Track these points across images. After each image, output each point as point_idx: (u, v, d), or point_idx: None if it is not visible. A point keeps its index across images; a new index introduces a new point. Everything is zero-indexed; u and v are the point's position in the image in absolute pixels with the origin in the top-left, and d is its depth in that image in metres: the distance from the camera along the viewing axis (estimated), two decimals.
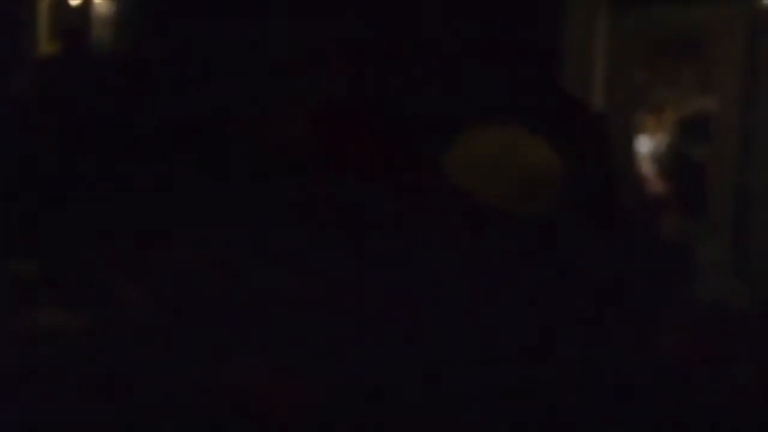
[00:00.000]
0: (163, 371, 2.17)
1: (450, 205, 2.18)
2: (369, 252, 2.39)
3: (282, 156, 3.33)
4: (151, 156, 3.67)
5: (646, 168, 5.92)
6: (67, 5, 5.99)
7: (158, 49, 4.77)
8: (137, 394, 2.13)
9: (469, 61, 4.02)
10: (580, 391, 2.02)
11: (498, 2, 4.63)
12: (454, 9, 4.52)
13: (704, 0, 5.26)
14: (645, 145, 6.03)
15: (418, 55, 4.05)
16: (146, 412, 2.10)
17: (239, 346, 2.22)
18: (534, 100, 3.26)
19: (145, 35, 5.29)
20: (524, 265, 2.14)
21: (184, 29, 4.70)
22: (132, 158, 3.68)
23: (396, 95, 3.51)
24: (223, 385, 2.16)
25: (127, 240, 2.83)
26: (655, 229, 4.13)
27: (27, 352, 2.31)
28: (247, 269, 2.52)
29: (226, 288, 2.45)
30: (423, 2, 4.53)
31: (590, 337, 2.10)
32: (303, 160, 3.26)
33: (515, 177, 2.16)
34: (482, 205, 2.14)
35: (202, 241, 2.72)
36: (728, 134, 5.15)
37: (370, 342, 2.09)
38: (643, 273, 2.65)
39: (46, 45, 5.90)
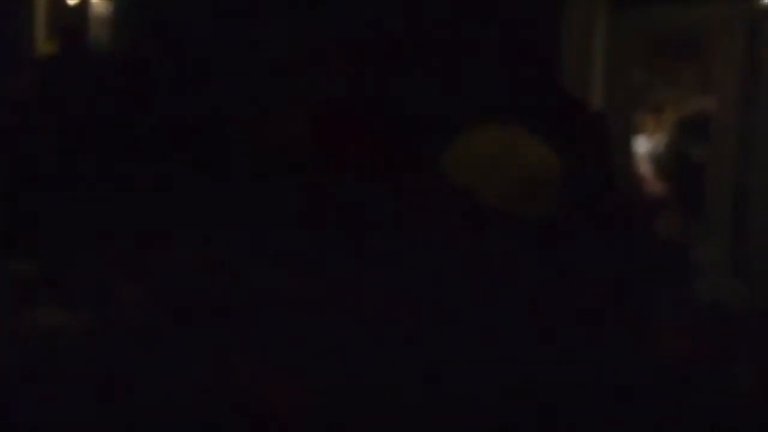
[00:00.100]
0: (162, 371, 2.17)
1: (450, 205, 2.18)
2: (369, 252, 2.39)
3: (282, 156, 3.33)
4: (151, 156, 3.67)
5: (645, 168, 5.92)
6: (65, 5, 5.99)
7: (156, 48, 4.77)
8: (137, 394, 2.13)
9: (469, 61, 4.02)
10: (580, 391, 2.02)
11: (498, 2, 4.64)
12: (454, 9, 4.52)
13: (704, 0, 5.26)
14: (644, 145, 6.04)
15: (418, 55, 4.05)
16: (146, 412, 2.10)
17: (239, 346, 2.22)
18: (533, 100, 3.27)
19: (142, 35, 5.29)
20: (524, 265, 2.14)
21: (182, 29, 4.70)
22: (131, 158, 3.67)
23: (396, 95, 3.51)
24: (224, 385, 2.16)
25: (127, 240, 2.83)
26: (654, 229, 4.12)
27: (27, 352, 2.31)
28: (246, 269, 2.52)
29: (226, 288, 2.45)
30: (423, 2, 4.53)
31: (590, 337, 2.10)
32: (303, 160, 3.26)
33: (515, 177, 2.16)
34: (482, 205, 2.14)
35: (201, 241, 2.72)
36: (727, 134, 5.15)
37: (370, 342, 2.09)
38: (643, 273, 2.65)
39: (43, 44, 5.90)
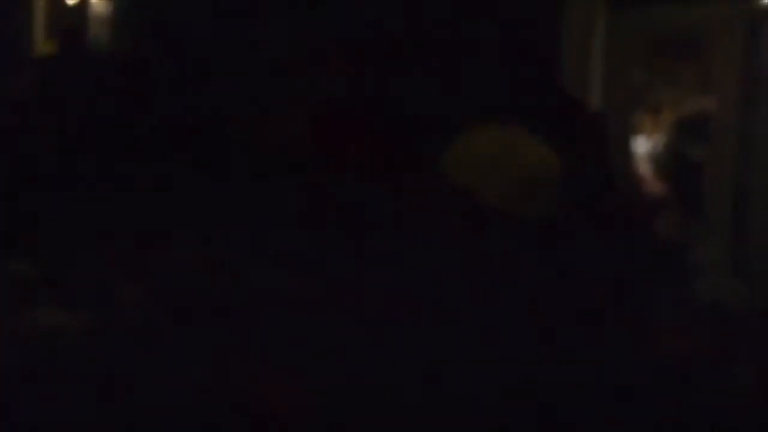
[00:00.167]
0: (162, 372, 2.17)
1: (449, 205, 2.18)
2: (368, 252, 2.39)
3: (281, 156, 3.33)
4: (150, 156, 3.67)
5: (645, 168, 5.92)
6: (64, 5, 5.99)
7: (155, 48, 4.77)
8: (136, 395, 2.13)
9: (469, 61, 4.03)
10: (580, 391, 2.02)
11: (497, 2, 4.64)
12: (454, 9, 4.52)
13: (703, 0, 5.26)
14: (643, 145, 6.04)
15: (418, 55, 4.05)
16: (146, 413, 2.10)
17: (239, 346, 2.22)
18: (533, 100, 3.27)
19: (142, 35, 5.29)
20: (523, 265, 2.14)
21: (181, 29, 4.70)
22: (131, 158, 3.67)
23: (396, 95, 3.51)
24: (223, 385, 2.16)
25: (127, 240, 2.83)
26: (653, 229, 4.13)
27: (26, 352, 2.31)
28: (246, 269, 2.52)
29: (226, 288, 2.45)
30: (423, 2, 4.53)
31: (590, 337, 2.10)
32: (302, 160, 3.26)
33: (514, 177, 2.16)
34: (482, 205, 2.14)
35: (201, 241, 2.72)
36: (727, 134, 5.15)
37: (370, 342, 2.09)
38: (642, 273, 2.65)
39: (43, 44, 5.90)
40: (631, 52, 5.45)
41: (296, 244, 2.63)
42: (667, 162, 5.94)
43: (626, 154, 5.44)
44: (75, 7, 6.01)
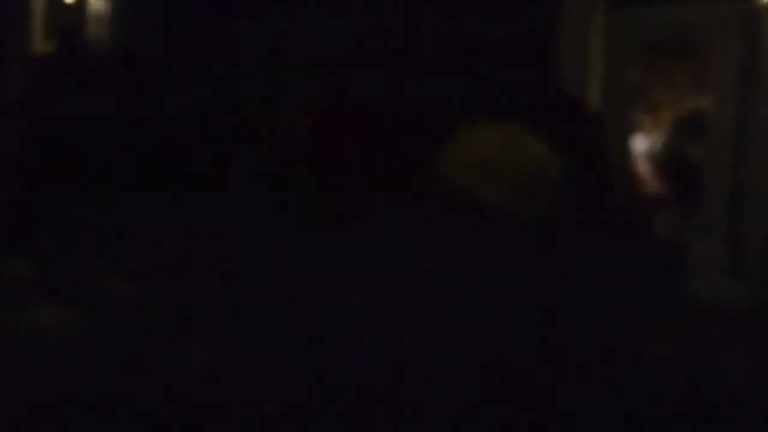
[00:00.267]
0: (160, 371, 2.17)
1: (447, 205, 2.18)
2: (367, 252, 2.39)
3: (280, 156, 3.33)
4: (148, 155, 3.67)
5: (643, 167, 5.92)
6: (63, 4, 5.98)
7: (154, 47, 4.77)
8: (134, 394, 2.13)
9: (467, 61, 4.03)
10: (578, 389, 2.03)
11: (496, 2, 4.64)
12: (452, 9, 4.53)
13: (701, 0, 5.27)
14: (641, 144, 6.04)
15: (416, 54, 4.05)
16: (143, 412, 2.10)
17: (237, 346, 2.23)
18: (531, 99, 3.27)
19: (141, 33, 5.29)
20: (521, 264, 2.15)
21: (180, 27, 4.70)
22: (129, 157, 3.67)
23: (394, 94, 3.51)
24: (221, 385, 2.16)
25: (125, 239, 2.83)
26: (651, 228, 4.13)
27: (23, 352, 2.31)
28: (244, 269, 2.52)
29: (223, 287, 2.45)
30: (421, 1, 4.54)
31: (588, 336, 2.10)
32: (301, 159, 3.26)
33: (513, 176, 2.16)
34: (479, 204, 2.15)
35: (199, 240, 2.72)
36: (724, 134, 5.16)
37: (369, 341, 2.09)
38: (640, 271, 2.66)
39: (41, 43, 5.90)
40: (629, 51, 5.46)
41: (294, 243, 2.63)
42: (666, 161, 5.95)
43: (624, 153, 5.44)
44: (73, 6, 6.01)
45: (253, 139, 3.54)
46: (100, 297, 2.49)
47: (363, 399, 2.02)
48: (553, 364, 2.04)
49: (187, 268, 2.54)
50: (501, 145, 2.20)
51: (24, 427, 2.10)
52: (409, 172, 2.47)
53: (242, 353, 2.18)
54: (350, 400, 2.03)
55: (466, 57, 4.09)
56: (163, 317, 2.38)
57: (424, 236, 2.22)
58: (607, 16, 5.37)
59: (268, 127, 3.52)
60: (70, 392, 2.13)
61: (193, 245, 2.65)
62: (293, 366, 2.11)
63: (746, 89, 5.08)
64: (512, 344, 2.04)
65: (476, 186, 2.15)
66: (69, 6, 5.99)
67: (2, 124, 4.22)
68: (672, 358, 2.31)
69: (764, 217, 4.90)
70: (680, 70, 6.33)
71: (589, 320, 2.13)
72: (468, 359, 2.02)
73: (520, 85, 3.42)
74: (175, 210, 3.14)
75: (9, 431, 2.10)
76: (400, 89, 3.56)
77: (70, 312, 2.41)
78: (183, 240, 2.71)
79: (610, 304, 2.21)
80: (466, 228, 2.17)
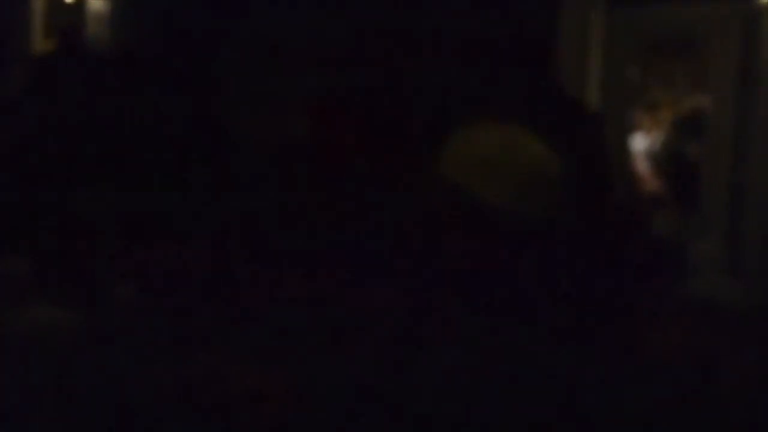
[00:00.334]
0: (159, 371, 2.17)
1: (446, 204, 2.19)
2: (365, 252, 2.40)
3: (280, 155, 3.33)
4: (147, 154, 3.67)
5: (642, 166, 5.93)
6: (62, 3, 5.99)
7: (154, 47, 4.77)
8: (132, 394, 2.13)
9: (466, 60, 4.03)
10: (574, 388, 2.03)
11: (495, 2, 4.65)
12: (451, 8, 4.53)
13: (700, 0, 5.28)
14: (640, 143, 6.05)
15: (416, 53, 4.06)
16: (141, 412, 2.10)
17: (236, 346, 2.23)
18: (530, 98, 3.27)
19: (140, 33, 5.29)
20: (521, 264, 2.15)
21: (179, 27, 4.71)
22: (128, 156, 3.68)
23: (393, 94, 3.51)
24: (219, 385, 2.17)
25: (123, 239, 2.84)
26: (650, 227, 4.14)
27: (21, 351, 2.31)
28: (243, 268, 2.53)
29: (222, 287, 2.46)
30: (421, 1, 4.54)
31: (587, 334, 2.11)
32: (301, 159, 3.26)
33: (512, 176, 2.17)
34: (479, 204, 2.15)
35: (197, 239, 2.72)
36: (723, 132, 5.17)
37: (367, 341, 2.10)
38: (638, 270, 2.66)
39: (41, 43, 5.90)
40: (628, 51, 5.46)
41: (292, 243, 2.64)
42: (665, 160, 5.95)
43: (624, 152, 5.45)
44: (73, 6, 6.01)
45: (252, 138, 3.55)
46: (100, 297, 2.49)
47: (362, 399, 2.02)
48: (551, 364, 2.05)
49: (187, 268, 2.55)
50: (500, 145, 2.20)
51: (24, 427, 2.11)
52: (408, 172, 2.47)
53: (241, 353, 2.18)
54: (349, 401, 2.03)
55: (466, 56, 4.09)
56: (162, 317, 2.38)
57: (424, 236, 2.22)
58: (606, 15, 5.38)
59: (267, 127, 3.53)
60: (70, 392, 2.14)
61: (192, 245, 2.66)
62: (293, 366, 2.11)
63: (745, 89, 5.09)
64: (511, 344, 2.04)
65: (476, 186, 2.15)
66: (69, 6, 5.99)
67: (2, 123, 4.22)
68: (670, 357, 2.32)
69: (763, 216, 4.90)
70: (680, 70, 6.34)
71: (589, 319, 2.13)
72: (467, 359, 2.02)
73: (519, 85, 3.42)
74: (174, 210, 3.14)
75: (8, 431, 2.10)
76: (398, 88, 3.56)
77: (70, 312, 2.42)
78: (183, 240, 2.71)
79: (609, 302, 2.21)
80: (465, 228, 2.17)
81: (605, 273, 2.28)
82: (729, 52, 5.17)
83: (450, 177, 2.15)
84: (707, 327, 2.65)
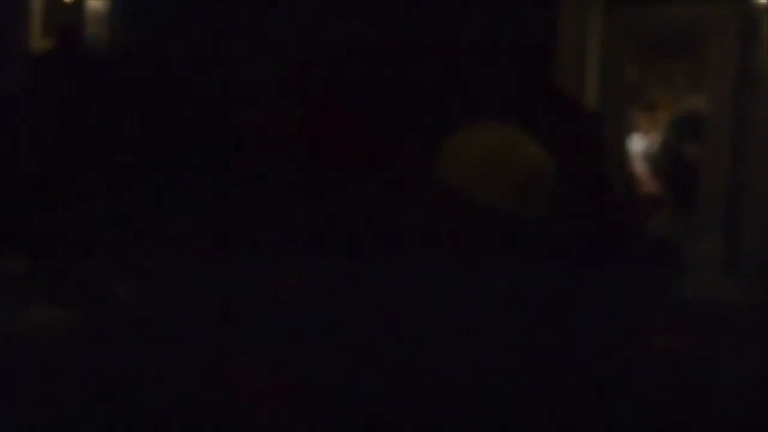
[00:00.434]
0: (157, 371, 2.17)
1: (443, 205, 2.19)
2: (363, 252, 2.40)
3: (276, 156, 3.34)
4: (145, 154, 3.67)
5: (640, 167, 5.92)
6: (61, 2, 5.98)
7: (153, 46, 4.77)
8: (130, 394, 2.14)
9: (462, 61, 4.03)
10: (575, 387, 2.04)
11: (492, 1, 4.64)
12: (447, 8, 4.53)
13: None
14: (639, 143, 6.04)
15: (413, 54, 4.06)
16: (139, 412, 2.11)
17: (235, 346, 2.23)
18: (527, 99, 3.28)
19: (139, 32, 5.29)
20: (517, 264, 2.15)
21: (178, 26, 4.70)
22: (126, 156, 3.68)
23: (390, 95, 3.52)
24: (218, 385, 2.17)
25: (122, 238, 2.84)
26: (648, 228, 4.14)
27: (19, 351, 2.31)
28: (241, 268, 2.53)
29: (219, 287, 2.46)
30: (416, 2, 4.54)
31: (584, 335, 2.11)
32: (296, 160, 3.26)
33: (509, 176, 2.17)
34: (476, 205, 2.16)
35: (195, 239, 2.73)
36: (721, 133, 5.16)
37: (365, 342, 2.10)
38: (635, 271, 2.67)
39: (39, 42, 5.89)
40: (626, 50, 5.45)
41: (290, 243, 2.64)
42: (663, 161, 5.95)
43: (621, 152, 5.44)
44: (72, 5, 6.00)
45: (251, 138, 3.54)
46: (100, 297, 2.50)
47: (363, 399, 2.03)
48: (550, 363, 2.05)
49: (186, 267, 2.55)
50: (498, 146, 2.21)
51: (23, 427, 2.11)
52: (406, 173, 2.48)
53: (241, 353, 2.19)
54: (351, 400, 2.03)
55: (463, 57, 4.09)
56: (161, 317, 2.38)
57: (421, 236, 2.22)
58: (605, 15, 5.37)
59: (266, 126, 3.53)
60: (69, 392, 2.14)
61: (192, 245, 2.66)
62: (293, 366, 2.12)
63: (745, 89, 5.08)
64: (510, 344, 2.05)
65: (474, 187, 2.16)
66: (67, 5, 5.98)
67: (0, 123, 4.22)
68: (669, 357, 2.32)
69: (762, 217, 4.90)
70: (678, 70, 6.33)
71: (587, 320, 2.14)
72: (466, 359, 2.03)
73: (517, 85, 3.42)
74: (173, 209, 3.14)
75: (8, 431, 2.10)
76: (395, 89, 3.56)
77: (70, 312, 2.42)
78: (182, 240, 2.72)
79: (607, 303, 2.22)
80: (463, 228, 2.18)
81: (603, 273, 2.28)
82: (728, 52, 5.16)
83: (447, 178, 2.15)
84: (706, 327, 2.65)
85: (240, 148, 3.51)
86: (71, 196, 3.47)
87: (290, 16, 4.41)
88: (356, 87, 3.61)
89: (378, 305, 2.16)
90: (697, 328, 2.62)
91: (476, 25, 4.45)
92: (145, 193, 3.36)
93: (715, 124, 5.23)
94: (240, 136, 3.60)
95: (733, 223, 5.02)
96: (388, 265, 2.21)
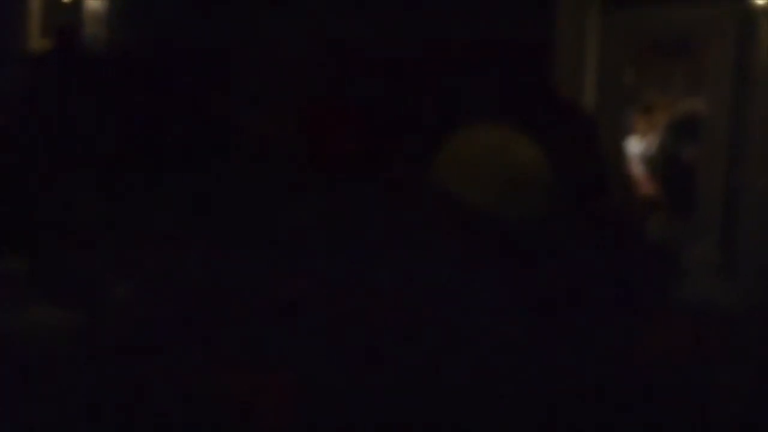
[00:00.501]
0: (156, 371, 2.17)
1: (439, 207, 2.19)
2: (358, 252, 2.40)
3: (273, 156, 3.34)
4: (145, 154, 3.68)
5: (637, 169, 5.93)
6: (59, 2, 5.98)
7: (151, 46, 4.77)
8: (129, 394, 2.14)
9: (459, 62, 4.03)
10: (570, 389, 2.04)
11: (489, 2, 4.65)
12: (445, 10, 4.53)
13: (695, 1, 5.27)
14: (635, 145, 6.05)
15: (408, 55, 4.06)
16: (139, 412, 2.11)
17: (234, 346, 2.23)
18: (524, 101, 3.28)
19: (138, 33, 5.29)
20: (513, 266, 2.16)
21: (177, 27, 4.71)
22: (125, 156, 3.68)
23: (385, 96, 3.52)
24: (217, 385, 2.17)
25: (121, 238, 2.84)
26: (645, 230, 4.14)
27: (19, 351, 2.31)
28: (239, 268, 2.53)
29: (217, 287, 2.46)
30: (414, 2, 4.54)
31: (581, 336, 2.11)
32: (293, 161, 3.27)
33: (505, 178, 2.17)
34: (472, 207, 2.16)
35: (193, 239, 2.73)
36: (718, 135, 5.17)
37: (363, 342, 2.10)
38: (633, 273, 2.67)
39: (38, 42, 5.89)
40: (623, 52, 5.47)
41: (289, 243, 2.64)
42: (660, 163, 5.96)
43: (618, 154, 5.45)
44: (70, 5, 6.00)
45: (249, 138, 3.55)
46: (100, 297, 2.50)
47: (363, 399, 2.03)
48: (548, 365, 2.05)
49: (184, 268, 2.55)
50: (494, 148, 2.21)
51: (23, 427, 2.11)
52: (400, 175, 2.48)
53: (240, 353, 2.19)
54: (350, 401, 2.04)
55: (461, 58, 4.10)
56: (160, 317, 2.39)
57: (418, 238, 2.23)
58: (603, 17, 5.38)
59: (264, 127, 3.53)
60: (69, 392, 2.14)
61: (190, 245, 2.66)
62: (292, 366, 2.12)
63: (742, 91, 5.09)
64: (507, 345, 2.05)
65: (470, 189, 2.16)
66: (66, 5, 5.99)
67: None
68: (666, 360, 2.32)
69: (759, 219, 4.91)
70: (675, 72, 6.34)
71: (584, 322, 2.14)
72: (464, 360, 2.03)
73: (515, 86, 3.43)
74: (172, 209, 3.15)
75: (8, 431, 2.11)
76: (393, 90, 3.57)
77: (70, 312, 2.42)
78: (180, 240, 2.72)
79: (604, 306, 2.22)
80: (460, 230, 2.18)
81: (600, 276, 2.29)
82: (725, 54, 5.17)
83: (444, 179, 2.16)
84: (703, 330, 2.66)
85: (239, 147, 3.51)
86: (70, 196, 3.47)
87: (290, 16, 4.41)
88: (354, 87, 3.62)
89: (376, 305, 2.16)
90: (694, 331, 2.62)
91: (475, 26, 4.46)
92: (145, 193, 3.36)
93: (712, 126, 5.24)
94: (239, 135, 3.60)
95: (730, 225, 5.03)
96: (386, 266, 2.21)
